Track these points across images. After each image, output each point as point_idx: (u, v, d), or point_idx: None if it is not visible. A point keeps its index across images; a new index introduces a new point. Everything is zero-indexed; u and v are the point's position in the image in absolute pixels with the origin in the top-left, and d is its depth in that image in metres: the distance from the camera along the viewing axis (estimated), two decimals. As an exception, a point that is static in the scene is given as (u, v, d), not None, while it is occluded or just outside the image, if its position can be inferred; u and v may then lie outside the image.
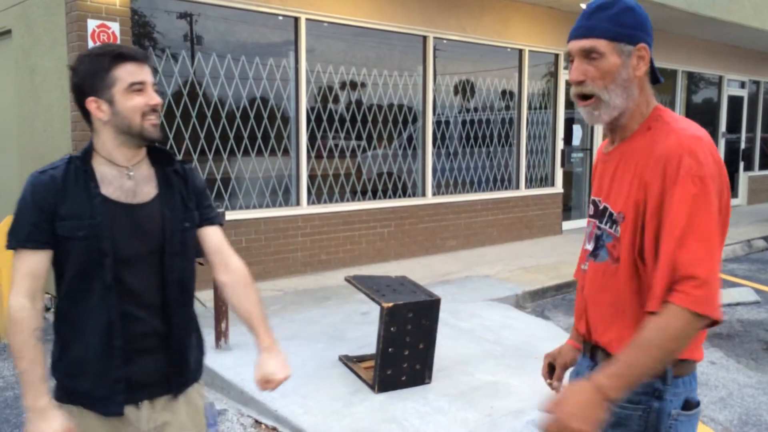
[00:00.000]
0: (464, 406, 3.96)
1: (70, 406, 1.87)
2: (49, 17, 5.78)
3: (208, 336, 4.66)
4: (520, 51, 9.15)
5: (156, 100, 1.87)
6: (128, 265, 1.86)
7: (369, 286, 4.27)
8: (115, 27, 5.55)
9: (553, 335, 5.29)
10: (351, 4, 7.19)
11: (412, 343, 4.10)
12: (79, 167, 1.86)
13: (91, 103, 1.84)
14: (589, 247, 1.77)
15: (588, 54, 1.65)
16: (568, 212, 10.25)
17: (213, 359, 4.44)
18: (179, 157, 2.17)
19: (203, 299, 5.28)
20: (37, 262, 1.81)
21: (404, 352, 4.09)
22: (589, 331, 1.78)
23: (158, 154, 1.99)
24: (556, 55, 9.65)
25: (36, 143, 6.23)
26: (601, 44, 1.64)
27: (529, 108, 9.41)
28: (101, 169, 1.87)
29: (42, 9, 5.92)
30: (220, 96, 6.42)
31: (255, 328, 2.03)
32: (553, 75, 9.73)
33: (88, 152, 1.88)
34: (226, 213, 6.33)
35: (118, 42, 5.53)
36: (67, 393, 1.89)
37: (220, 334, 4.58)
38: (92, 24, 5.44)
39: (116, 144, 1.87)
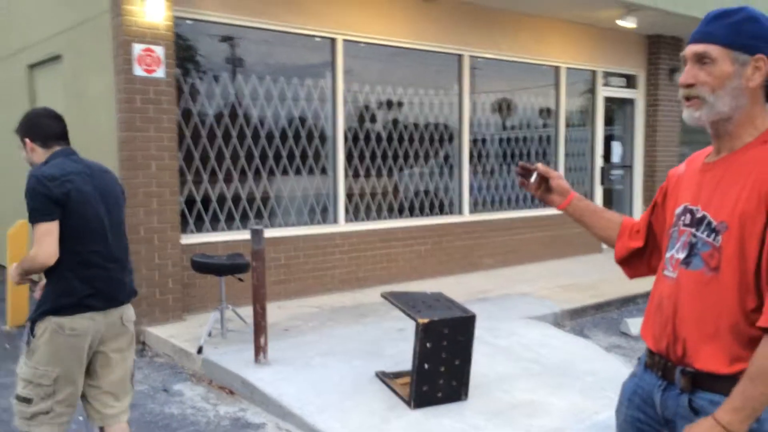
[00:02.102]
0: (501, 424, 3.94)
1: None
2: (97, 43, 6.00)
3: (248, 351, 4.76)
4: (557, 68, 9.13)
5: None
6: None
7: (405, 302, 4.30)
8: (159, 51, 5.73)
9: (592, 354, 5.23)
10: (387, 24, 7.30)
11: (447, 359, 4.11)
12: None
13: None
14: (681, 255, 1.71)
15: (700, 59, 1.64)
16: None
17: (252, 374, 4.50)
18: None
19: (243, 315, 5.38)
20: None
21: (440, 368, 4.10)
22: (671, 345, 1.71)
23: None
24: (594, 72, 9.60)
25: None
26: (714, 50, 1.63)
27: (567, 125, 9.36)
28: None
29: (90, 35, 6.16)
30: (259, 116, 6.57)
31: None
32: (591, 91, 9.67)
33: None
34: (266, 231, 6.45)
35: (162, 63, 5.71)
36: None
37: (260, 349, 4.65)
38: (138, 48, 5.63)
39: None
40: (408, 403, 4.10)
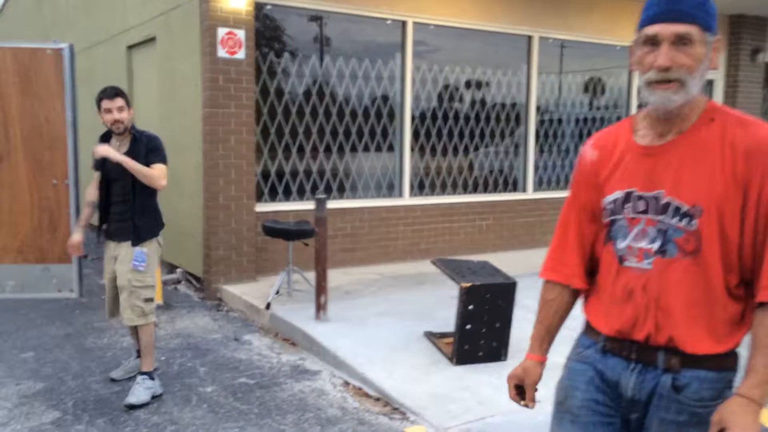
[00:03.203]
0: (539, 384, 4.25)
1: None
2: (187, 26, 6.59)
3: (310, 309, 5.24)
4: (630, 48, 9.09)
5: (113, 117, 3.97)
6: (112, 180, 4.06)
7: (451, 268, 4.65)
8: (240, 34, 6.26)
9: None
10: (456, 7, 7.57)
11: (488, 321, 4.44)
12: (104, 138, 4.14)
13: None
14: (652, 245, 1.67)
15: (680, 39, 1.58)
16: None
17: (313, 328, 4.99)
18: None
19: (309, 278, 5.88)
20: (97, 174, 4.13)
21: (481, 330, 4.44)
22: (653, 334, 1.68)
23: (137, 135, 4.07)
24: (669, 53, 9.49)
25: (174, 137, 7.10)
26: (694, 31, 1.58)
27: (640, 105, 9.34)
28: (112, 140, 4.10)
29: (181, 19, 6.76)
30: (331, 95, 7.02)
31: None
32: (666, 73, 9.57)
33: (108, 132, 4.13)
34: (334, 202, 6.92)
35: (243, 45, 6.23)
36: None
37: (320, 307, 5.12)
38: (221, 32, 6.17)
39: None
40: (450, 360, 4.48)
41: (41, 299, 5.66)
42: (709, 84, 10.06)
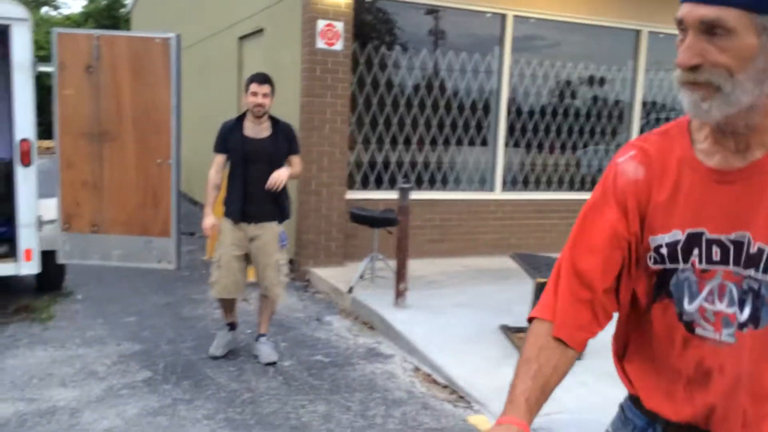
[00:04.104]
0: (609, 384, 4.16)
1: (226, 218, 4.32)
2: (290, 18, 6.88)
3: (391, 295, 5.37)
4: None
5: (257, 101, 4.22)
6: (251, 163, 4.25)
7: (529, 263, 4.63)
8: (339, 26, 6.46)
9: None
10: (559, 0, 7.42)
11: (563, 318, 4.39)
12: (238, 121, 4.36)
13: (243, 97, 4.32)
14: (736, 310, 1.23)
15: (710, 28, 1.11)
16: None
17: (390, 314, 5.12)
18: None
19: (392, 265, 6.01)
20: (221, 158, 4.37)
21: (555, 327, 4.40)
22: (730, 419, 1.27)
23: (275, 120, 4.38)
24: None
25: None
26: (731, 16, 1.09)
27: None
28: (246, 123, 4.32)
29: (285, 11, 7.06)
30: (427, 87, 7.10)
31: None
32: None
33: (241, 116, 4.38)
34: (423, 193, 7.01)
35: (341, 37, 6.44)
36: (226, 212, 4.34)
37: (399, 294, 5.25)
38: (321, 24, 6.40)
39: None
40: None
41: (148, 270, 6.14)
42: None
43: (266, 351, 4.47)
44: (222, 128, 4.38)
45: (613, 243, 1.29)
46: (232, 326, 4.60)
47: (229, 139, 4.29)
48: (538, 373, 1.35)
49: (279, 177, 4.18)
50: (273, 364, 4.40)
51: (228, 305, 4.53)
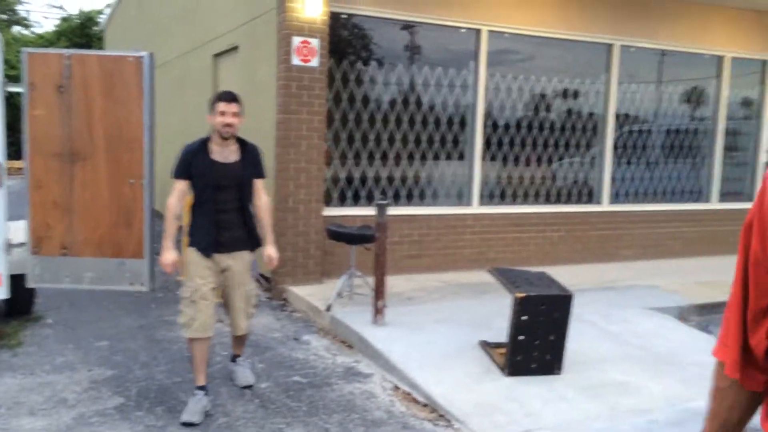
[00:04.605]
0: (589, 398, 4.15)
1: (192, 249, 3.96)
2: (266, 35, 6.84)
3: (369, 313, 5.31)
4: (720, 58, 8.72)
5: (226, 120, 3.92)
6: (220, 189, 3.95)
7: (507, 277, 4.61)
8: (315, 42, 6.44)
9: (706, 347, 5.17)
10: (532, 15, 7.48)
11: (542, 333, 4.37)
12: (203, 144, 4.00)
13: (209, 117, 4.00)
14: None
15: None
16: (772, 231, 9.47)
17: (369, 332, 5.06)
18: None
19: (371, 282, 5.96)
20: (183, 184, 3.97)
21: (535, 342, 4.38)
22: None
23: (242, 142, 4.11)
24: (764, 62, 9.02)
25: (250, 138, 7.37)
26: None
27: (729, 118, 8.91)
28: (212, 146, 3.99)
29: (262, 28, 7.02)
30: (403, 103, 7.09)
31: (265, 231, 4.14)
32: (760, 82, 9.10)
33: (206, 138, 4.02)
34: (400, 208, 6.98)
35: (317, 53, 6.41)
36: (192, 243, 3.97)
37: (378, 311, 5.19)
38: (296, 40, 6.37)
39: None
40: (502, 370, 4.43)
41: (121, 292, 6.02)
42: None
43: (243, 373, 4.37)
44: (185, 152, 3.97)
45: None
46: (204, 389, 3.98)
47: (194, 164, 3.92)
48: (717, 413, 1.33)
49: (271, 254, 4.16)
50: (250, 387, 4.30)
51: (203, 349, 3.97)
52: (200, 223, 3.97)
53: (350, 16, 6.79)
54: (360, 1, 6.71)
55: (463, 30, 7.28)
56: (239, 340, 4.37)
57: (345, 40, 6.88)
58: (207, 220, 3.94)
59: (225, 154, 3.99)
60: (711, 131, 8.85)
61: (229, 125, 3.92)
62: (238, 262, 4.05)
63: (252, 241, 4.11)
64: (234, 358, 4.46)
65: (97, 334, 5.37)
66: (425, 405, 4.10)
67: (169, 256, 3.88)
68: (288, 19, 6.31)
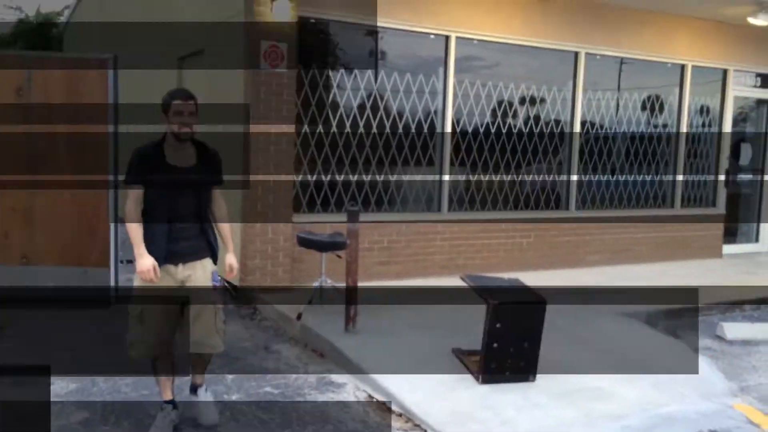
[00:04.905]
0: (563, 405, 4.15)
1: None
2: (233, 39, 6.72)
3: (341, 321, 5.23)
4: (682, 66, 8.89)
5: (183, 120, 3.58)
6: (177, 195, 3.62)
7: (481, 285, 4.59)
8: (283, 47, 6.35)
9: (676, 352, 5.24)
10: (501, 22, 7.52)
11: (516, 340, 4.36)
12: (156, 147, 3.63)
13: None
14: None
15: None
16: (732, 236, 9.70)
17: (340, 340, 5.00)
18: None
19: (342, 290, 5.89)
20: (139, 190, 3.59)
21: (509, 349, 4.36)
22: None
23: (200, 145, 3.77)
24: (725, 71, 9.22)
25: (216, 143, 7.23)
26: None
27: (690, 125, 9.09)
28: (167, 150, 3.64)
29: (228, 32, 6.89)
30: (372, 108, 7.04)
31: (225, 241, 3.86)
32: (721, 91, 9.30)
33: (159, 141, 3.66)
34: (370, 215, 6.92)
35: (285, 58, 6.32)
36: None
37: (350, 319, 5.12)
38: (264, 45, 6.28)
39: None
40: (476, 378, 4.41)
41: (84, 301, 5.83)
42: (765, 104, 9.71)
43: (206, 409, 3.86)
44: (138, 156, 3.62)
45: None
46: (172, 402, 3.82)
47: (149, 169, 3.59)
48: None
49: (231, 263, 3.83)
50: (215, 427, 3.82)
51: (165, 365, 3.79)
52: (154, 232, 3.59)
53: (319, 21, 6.73)
54: (329, 6, 6.65)
55: (432, 36, 7.27)
56: (200, 363, 3.87)
57: (313, 45, 6.81)
58: (161, 228, 3.60)
59: (182, 157, 3.64)
60: (674, 138, 9.01)
61: (186, 125, 3.57)
62: (198, 271, 3.69)
63: (211, 250, 3.77)
64: (195, 389, 3.94)
65: (59, 345, 5.18)
66: (400, 414, 4.04)
67: (146, 261, 3.51)
68: (256, 23, 6.22)
